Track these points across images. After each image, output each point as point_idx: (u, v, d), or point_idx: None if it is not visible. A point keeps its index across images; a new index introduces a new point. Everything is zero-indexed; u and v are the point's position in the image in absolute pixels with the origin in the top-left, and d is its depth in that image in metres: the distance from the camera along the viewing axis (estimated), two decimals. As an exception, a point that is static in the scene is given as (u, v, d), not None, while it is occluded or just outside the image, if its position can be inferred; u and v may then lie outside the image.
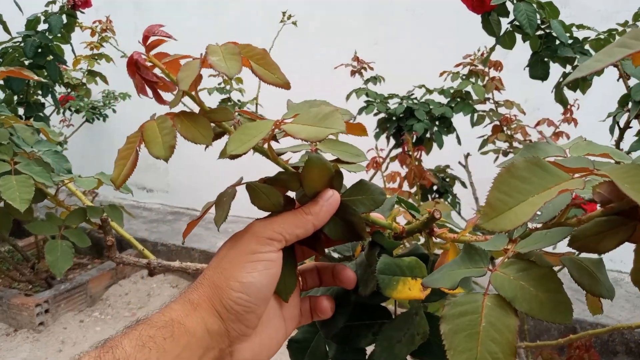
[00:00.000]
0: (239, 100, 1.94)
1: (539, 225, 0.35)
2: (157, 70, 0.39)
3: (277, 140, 0.39)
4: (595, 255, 0.33)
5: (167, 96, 0.40)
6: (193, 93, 0.38)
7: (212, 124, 0.38)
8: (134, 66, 0.38)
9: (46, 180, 0.76)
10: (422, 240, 0.45)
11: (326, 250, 0.46)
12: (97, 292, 2.57)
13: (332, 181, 0.39)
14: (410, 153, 1.40)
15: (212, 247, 2.81)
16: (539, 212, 0.33)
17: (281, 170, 0.40)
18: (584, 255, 0.34)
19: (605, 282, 0.33)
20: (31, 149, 0.83)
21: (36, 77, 0.82)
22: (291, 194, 0.42)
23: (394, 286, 0.39)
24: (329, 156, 0.41)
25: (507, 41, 0.93)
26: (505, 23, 0.97)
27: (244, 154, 0.33)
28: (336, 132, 0.33)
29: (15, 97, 1.67)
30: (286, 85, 0.37)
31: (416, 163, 1.40)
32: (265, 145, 0.38)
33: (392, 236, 0.43)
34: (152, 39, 0.39)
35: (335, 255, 0.49)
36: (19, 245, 2.70)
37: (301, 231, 0.38)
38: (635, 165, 0.26)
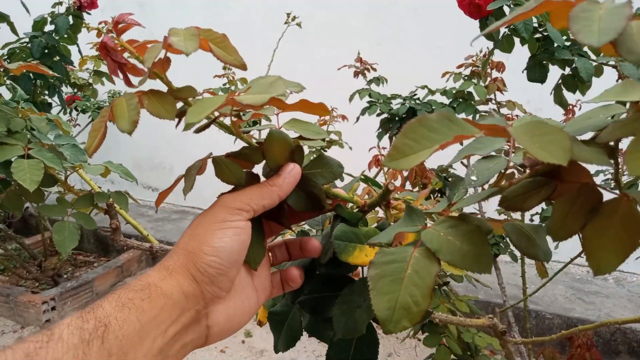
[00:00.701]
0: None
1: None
2: (128, 56, 0.42)
3: (241, 118, 0.42)
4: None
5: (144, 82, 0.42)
6: (162, 76, 0.41)
7: (180, 102, 0.40)
8: (105, 49, 0.40)
9: (56, 165, 0.81)
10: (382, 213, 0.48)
11: (293, 226, 0.50)
12: (103, 289, 2.60)
13: (293, 155, 0.42)
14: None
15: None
16: (474, 178, 0.38)
17: (245, 145, 0.43)
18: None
19: (542, 245, 0.35)
20: (51, 142, 0.88)
21: (52, 73, 0.88)
22: (257, 170, 0.45)
23: (349, 252, 0.41)
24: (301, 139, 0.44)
25: (505, 45, 0.94)
26: (503, 27, 0.98)
27: (199, 123, 0.36)
28: (277, 95, 0.36)
29: (23, 97, 1.68)
30: (242, 67, 0.40)
31: (418, 163, 1.41)
32: (228, 121, 0.41)
33: (356, 209, 0.46)
34: (121, 25, 0.44)
35: (308, 229, 0.52)
36: (26, 244, 2.73)
37: (267, 202, 0.41)
38: (535, 121, 0.28)
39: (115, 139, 0.99)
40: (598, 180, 1.30)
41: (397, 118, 1.54)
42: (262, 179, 0.44)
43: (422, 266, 0.31)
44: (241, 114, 0.42)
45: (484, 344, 1.03)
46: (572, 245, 1.45)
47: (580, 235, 0.29)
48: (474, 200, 0.37)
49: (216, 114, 0.40)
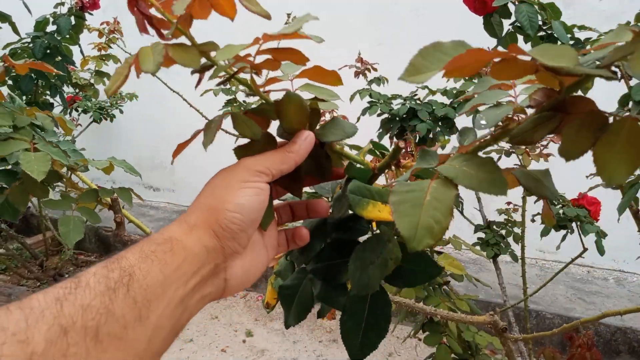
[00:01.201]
0: (244, 101, 1.96)
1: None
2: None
3: (259, 75, 0.45)
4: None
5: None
6: (186, 32, 0.43)
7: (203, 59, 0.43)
8: (134, 1, 0.42)
9: (62, 158, 0.85)
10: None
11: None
12: (104, 289, 2.60)
13: (308, 117, 0.44)
14: (414, 153, 1.42)
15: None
16: (483, 122, 0.41)
17: (263, 102, 0.45)
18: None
19: (550, 186, 0.39)
20: (55, 140, 0.90)
21: (56, 71, 0.92)
22: (273, 132, 0.47)
23: (363, 206, 0.42)
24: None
25: (508, 42, 0.94)
26: (506, 24, 0.97)
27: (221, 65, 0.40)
28: (306, 22, 0.39)
29: (24, 98, 1.69)
30: (267, 16, 0.42)
31: (419, 163, 1.41)
32: (249, 78, 0.44)
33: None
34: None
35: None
36: (28, 243, 2.74)
37: (285, 167, 0.43)
38: (547, 44, 0.30)
39: (117, 139, 1.00)
40: (599, 179, 1.30)
41: (397, 118, 1.54)
42: (278, 139, 0.46)
43: (440, 192, 0.34)
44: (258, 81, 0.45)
45: (485, 343, 1.03)
46: (573, 245, 1.45)
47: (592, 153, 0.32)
48: (484, 133, 0.40)
49: (235, 68, 0.42)
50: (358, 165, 0.48)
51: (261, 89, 0.46)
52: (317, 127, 0.46)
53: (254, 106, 0.45)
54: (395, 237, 0.43)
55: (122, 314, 0.32)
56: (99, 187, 0.95)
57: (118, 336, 0.31)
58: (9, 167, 0.90)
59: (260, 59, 0.42)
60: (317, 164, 0.47)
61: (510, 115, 0.38)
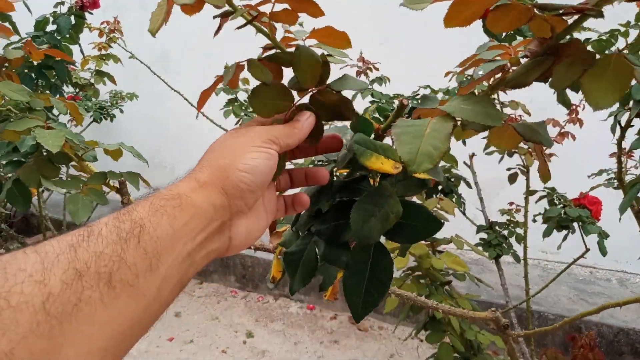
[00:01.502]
0: (245, 100, 1.95)
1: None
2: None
3: (274, 27, 0.48)
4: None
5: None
6: None
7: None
8: None
9: (74, 137, 0.91)
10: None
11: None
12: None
13: (320, 70, 0.46)
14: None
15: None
16: (481, 72, 0.44)
17: (277, 50, 0.47)
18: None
19: (544, 134, 0.43)
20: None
21: (71, 59, 1.02)
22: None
23: (367, 157, 0.44)
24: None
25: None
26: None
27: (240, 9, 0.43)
28: None
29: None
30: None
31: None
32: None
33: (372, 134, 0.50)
34: None
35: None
36: (28, 243, 2.73)
37: (291, 141, 0.45)
38: None
39: (117, 139, 1.00)
40: (601, 179, 1.29)
41: (399, 118, 1.54)
42: (294, 93, 0.48)
43: (439, 125, 0.37)
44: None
45: (487, 342, 1.02)
46: (575, 246, 1.44)
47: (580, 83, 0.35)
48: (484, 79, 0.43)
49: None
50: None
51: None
52: (329, 80, 0.48)
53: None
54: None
55: (133, 262, 0.33)
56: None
57: (130, 283, 0.32)
58: (21, 158, 0.96)
59: (278, 7, 0.45)
60: (331, 110, 0.49)
61: (506, 68, 0.41)
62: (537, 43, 0.38)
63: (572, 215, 1.28)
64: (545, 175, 0.51)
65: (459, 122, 0.39)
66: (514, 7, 0.36)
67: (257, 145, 0.42)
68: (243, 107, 1.91)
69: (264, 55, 0.48)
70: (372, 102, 1.59)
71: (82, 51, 1.86)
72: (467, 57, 0.42)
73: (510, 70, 0.42)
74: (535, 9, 0.35)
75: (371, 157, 0.44)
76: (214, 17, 0.47)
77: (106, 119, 2.80)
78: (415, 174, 0.41)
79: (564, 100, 1.02)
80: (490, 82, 0.43)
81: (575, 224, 1.31)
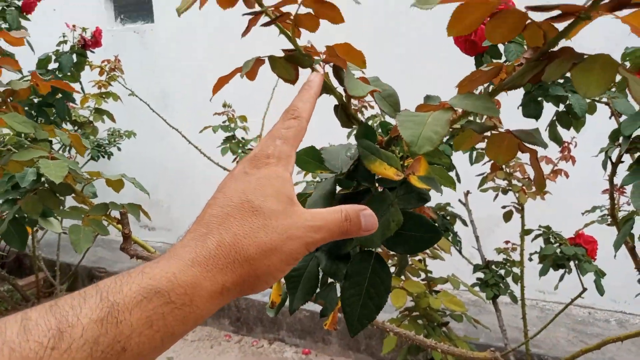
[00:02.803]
0: (242, 138, 1.97)
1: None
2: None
3: (299, 31, 0.51)
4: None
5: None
6: None
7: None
8: None
9: (76, 168, 0.94)
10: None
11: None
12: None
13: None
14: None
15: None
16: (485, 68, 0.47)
17: (295, 49, 0.50)
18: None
19: (539, 138, 0.46)
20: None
21: (76, 90, 1.06)
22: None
23: (372, 161, 0.45)
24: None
25: (500, 81, 0.95)
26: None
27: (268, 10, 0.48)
28: None
29: (22, 135, 1.70)
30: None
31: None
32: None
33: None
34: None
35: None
36: (19, 285, 2.68)
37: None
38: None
39: (103, 196, 1.02)
40: (594, 216, 1.30)
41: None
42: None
43: (440, 115, 0.40)
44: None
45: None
46: (572, 286, 1.42)
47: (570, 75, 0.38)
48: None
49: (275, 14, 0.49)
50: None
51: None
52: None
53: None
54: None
55: None
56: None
57: None
58: (17, 196, 0.97)
59: (302, 10, 0.48)
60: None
61: (502, 78, 0.45)
62: (532, 51, 0.41)
63: (567, 253, 1.28)
64: (540, 184, 0.52)
65: (459, 111, 0.43)
66: (511, 14, 0.39)
67: (295, 258, 0.35)
68: (240, 145, 1.92)
69: (283, 55, 0.50)
70: (372, 117, 1.59)
71: (82, 89, 1.89)
72: (466, 76, 0.44)
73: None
74: (528, 12, 0.38)
75: (375, 161, 0.45)
76: (243, 14, 0.49)
77: (104, 157, 2.81)
78: (416, 184, 0.44)
79: (555, 137, 1.04)
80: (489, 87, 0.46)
81: (571, 263, 1.30)
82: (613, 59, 0.36)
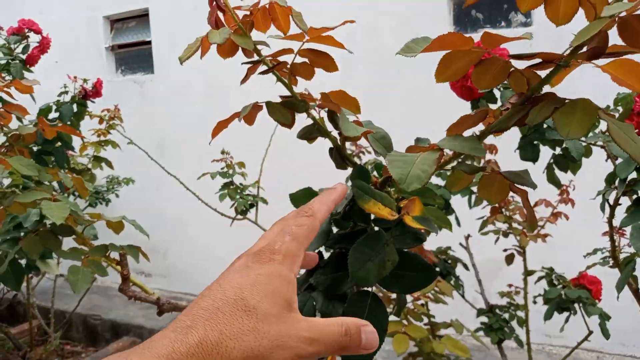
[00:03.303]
0: (240, 184, 1.97)
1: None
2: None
3: (295, 80, 0.54)
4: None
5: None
6: (245, 29, 0.52)
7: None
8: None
9: (77, 210, 0.96)
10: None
11: None
12: (88, 383, 2.46)
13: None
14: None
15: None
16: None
17: (291, 95, 0.52)
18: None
19: (528, 179, 0.47)
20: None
21: (80, 134, 1.15)
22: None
23: (366, 201, 0.46)
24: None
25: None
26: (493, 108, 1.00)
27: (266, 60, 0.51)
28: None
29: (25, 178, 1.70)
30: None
31: (416, 244, 1.39)
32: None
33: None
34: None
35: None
36: (12, 333, 2.62)
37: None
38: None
39: (104, 238, 1.02)
40: (596, 258, 1.28)
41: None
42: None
43: (428, 155, 0.41)
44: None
45: None
46: (579, 328, 1.39)
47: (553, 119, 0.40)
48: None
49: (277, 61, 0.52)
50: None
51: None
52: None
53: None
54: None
55: None
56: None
57: None
58: (18, 235, 0.99)
59: (298, 60, 0.51)
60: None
61: (490, 122, 0.47)
62: (516, 97, 0.44)
63: (571, 296, 1.26)
64: (532, 224, 0.53)
65: (445, 152, 0.45)
66: (495, 62, 0.41)
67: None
68: (238, 191, 1.92)
69: (280, 100, 0.53)
70: (369, 162, 1.60)
71: (81, 137, 1.90)
72: (455, 121, 0.46)
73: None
74: (512, 61, 0.41)
75: (369, 201, 0.46)
76: (242, 63, 0.52)
77: (101, 204, 2.80)
78: (411, 224, 0.44)
79: (553, 180, 1.04)
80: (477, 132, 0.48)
81: (576, 305, 1.28)
82: (593, 103, 0.38)
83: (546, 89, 0.43)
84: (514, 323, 1.54)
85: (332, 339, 0.33)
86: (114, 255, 0.98)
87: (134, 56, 3.82)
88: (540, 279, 1.44)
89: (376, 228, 0.49)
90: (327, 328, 0.33)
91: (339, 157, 0.54)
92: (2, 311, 3.23)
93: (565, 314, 1.29)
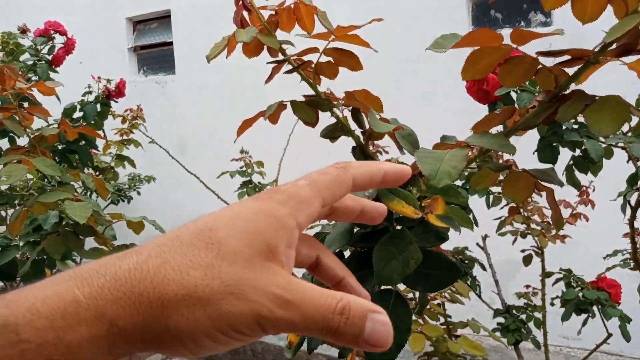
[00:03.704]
0: (259, 183, 2.00)
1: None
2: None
3: (320, 79, 0.55)
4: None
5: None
6: (271, 29, 0.53)
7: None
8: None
9: (99, 210, 0.98)
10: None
11: None
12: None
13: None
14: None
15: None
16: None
17: (315, 95, 0.53)
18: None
19: (555, 177, 0.48)
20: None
21: (101, 136, 1.12)
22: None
23: (390, 199, 0.46)
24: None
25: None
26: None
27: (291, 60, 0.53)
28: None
29: (46, 180, 1.75)
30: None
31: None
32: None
33: None
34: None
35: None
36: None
37: None
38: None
39: (124, 239, 1.04)
40: (616, 260, 1.27)
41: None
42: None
43: (457, 152, 0.42)
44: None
45: None
46: (598, 331, 1.38)
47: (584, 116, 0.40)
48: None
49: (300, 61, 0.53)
50: None
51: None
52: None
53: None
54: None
55: None
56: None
57: None
58: (38, 238, 1.01)
59: (323, 59, 0.52)
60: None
61: (516, 120, 0.47)
62: (544, 94, 0.44)
63: (590, 297, 1.25)
64: (558, 222, 0.53)
65: (474, 150, 0.45)
66: (522, 59, 0.41)
67: (236, 324, 0.23)
68: (257, 190, 1.95)
69: (304, 99, 0.54)
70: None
71: (105, 136, 1.95)
72: (481, 119, 0.47)
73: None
74: (539, 57, 0.40)
75: (393, 200, 0.46)
76: (267, 62, 0.53)
77: (123, 201, 2.86)
78: (434, 223, 0.45)
79: (573, 182, 1.04)
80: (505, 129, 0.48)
81: (595, 308, 1.27)
82: (623, 100, 0.38)
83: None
84: (531, 324, 1.53)
85: (316, 311, 0.24)
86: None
87: (155, 57, 3.88)
88: (558, 280, 1.43)
89: (398, 227, 0.50)
90: (313, 294, 0.24)
91: (363, 155, 0.55)
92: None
93: (583, 316, 1.28)
